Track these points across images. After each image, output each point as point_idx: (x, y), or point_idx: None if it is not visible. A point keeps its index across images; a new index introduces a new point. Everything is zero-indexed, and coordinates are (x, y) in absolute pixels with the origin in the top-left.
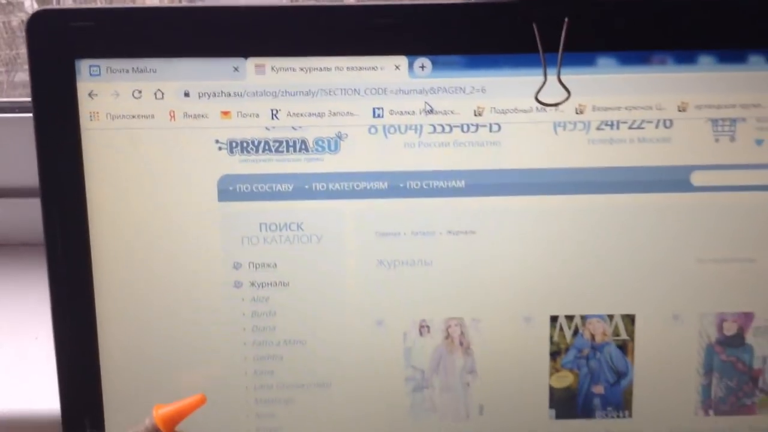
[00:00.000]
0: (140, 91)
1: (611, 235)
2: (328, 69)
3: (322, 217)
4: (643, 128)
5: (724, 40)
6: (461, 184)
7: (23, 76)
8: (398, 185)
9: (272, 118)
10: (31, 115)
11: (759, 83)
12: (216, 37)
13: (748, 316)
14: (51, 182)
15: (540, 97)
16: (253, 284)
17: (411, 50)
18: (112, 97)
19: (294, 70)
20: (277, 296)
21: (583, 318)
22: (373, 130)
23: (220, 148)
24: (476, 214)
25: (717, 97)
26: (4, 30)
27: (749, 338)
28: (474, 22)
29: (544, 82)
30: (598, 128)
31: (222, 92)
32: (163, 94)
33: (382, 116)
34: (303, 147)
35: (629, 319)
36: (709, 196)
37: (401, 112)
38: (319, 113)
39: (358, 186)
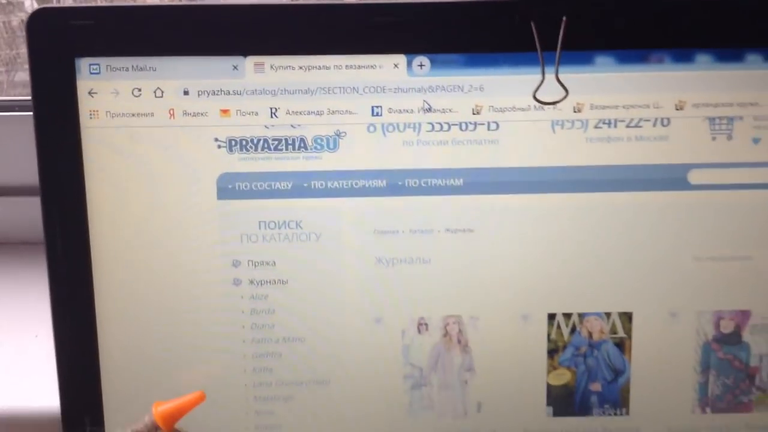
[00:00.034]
0: (140, 90)
1: (609, 233)
2: (327, 67)
3: (321, 215)
4: (640, 127)
5: (721, 39)
6: (459, 182)
7: (23, 75)
8: (397, 183)
9: (271, 116)
10: (31, 113)
11: (756, 82)
12: (215, 35)
13: (745, 314)
14: (51, 180)
15: (538, 96)
16: (252, 282)
17: (410, 49)
18: (112, 95)
19: (293, 68)
20: (276, 294)
21: (581, 316)
22: (371, 128)
23: (219, 147)
24: (474, 213)
25: (714, 95)
26: (4, 30)
27: (746, 336)
28: (472, 21)
29: (542, 81)
30: (595, 127)
31: (221, 91)
32: (162, 92)
33: (381, 114)
34: (302, 145)
35: (626, 317)
36: (707, 194)
37: (400, 110)
38: (317, 111)
39: (356, 184)
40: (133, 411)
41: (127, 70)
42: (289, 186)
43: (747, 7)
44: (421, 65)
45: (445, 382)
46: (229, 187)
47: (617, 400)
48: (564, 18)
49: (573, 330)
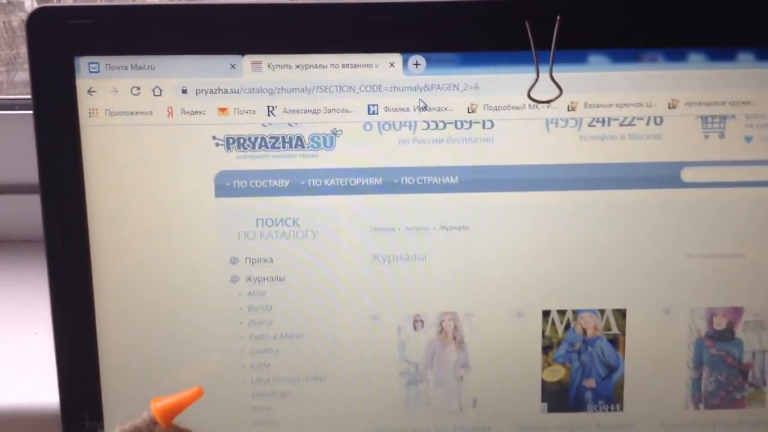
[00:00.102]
0: (138, 88)
1: (603, 231)
2: (324, 66)
3: (318, 212)
4: (634, 125)
5: (713, 38)
6: (455, 180)
7: (23, 75)
8: (393, 181)
9: (268, 114)
10: (30, 112)
11: (748, 80)
12: (213, 34)
13: (737, 311)
14: (50, 178)
15: (532, 95)
16: (249, 279)
17: (405, 48)
18: (111, 93)
19: (290, 67)
20: (273, 291)
21: (575, 312)
22: (367, 126)
23: (217, 145)
24: (469, 210)
25: (707, 94)
26: (5, 30)
27: (739, 333)
28: (468, 20)
29: (537, 80)
30: (589, 125)
31: (219, 89)
32: (161, 90)
33: (377, 113)
34: (299, 143)
35: (620, 314)
36: (699, 192)
37: (396, 108)
38: (314, 110)
39: (353, 182)
40: (132, 407)
41: (126, 68)
42: (286, 184)
43: (739, 7)
44: (416, 64)
45: (440, 379)
46: (226, 185)
47: (611, 396)
48: (558, 17)
49: (567, 327)
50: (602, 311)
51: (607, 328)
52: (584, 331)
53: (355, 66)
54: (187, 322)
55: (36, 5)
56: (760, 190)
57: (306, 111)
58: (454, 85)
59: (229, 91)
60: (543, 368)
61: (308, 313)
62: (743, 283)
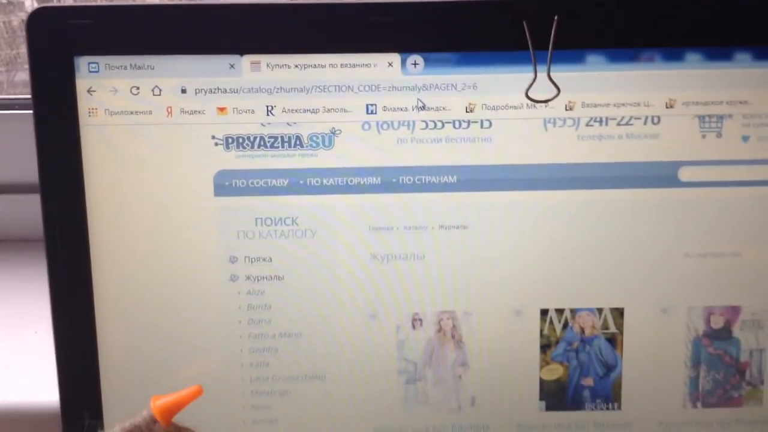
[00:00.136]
0: (138, 88)
1: (600, 230)
2: (323, 66)
3: (317, 211)
4: (631, 125)
5: (711, 38)
6: (453, 179)
7: (23, 75)
8: (391, 180)
9: (267, 114)
10: (30, 111)
11: (745, 80)
12: (212, 34)
13: (735, 310)
14: (50, 178)
15: (530, 94)
16: (248, 278)
17: (404, 48)
18: (111, 93)
19: (289, 67)
20: (272, 290)
21: (573, 311)
22: (366, 126)
23: (216, 144)
24: (468, 209)
25: (704, 93)
26: (5, 30)
27: (736, 331)
28: (466, 20)
29: (535, 79)
30: (587, 124)
31: (218, 89)
32: (160, 90)
33: (376, 112)
34: (297, 143)
35: (618, 313)
36: (697, 191)
37: (394, 108)
38: (313, 109)
39: (351, 181)
40: (132, 405)
41: (126, 68)
42: (285, 183)
43: (736, 7)
44: (415, 64)
45: (439, 377)
46: (225, 184)
47: (609, 395)
48: (556, 17)
49: (565, 325)
50: (600, 310)
51: (605, 327)
52: (582, 330)
53: (354, 66)
54: (187, 320)
55: (36, 5)
56: (757, 189)
57: (305, 110)
58: (452, 84)
59: (228, 90)
60: (541, 367)
61: (307, 312)
62: (741, 282)
